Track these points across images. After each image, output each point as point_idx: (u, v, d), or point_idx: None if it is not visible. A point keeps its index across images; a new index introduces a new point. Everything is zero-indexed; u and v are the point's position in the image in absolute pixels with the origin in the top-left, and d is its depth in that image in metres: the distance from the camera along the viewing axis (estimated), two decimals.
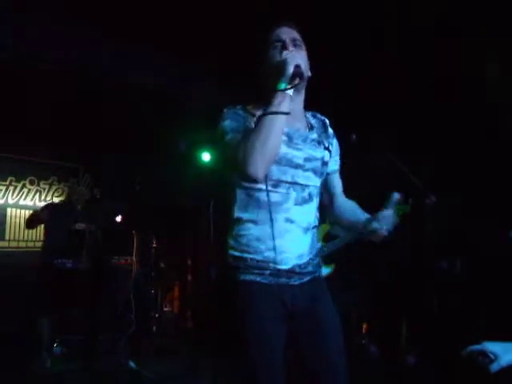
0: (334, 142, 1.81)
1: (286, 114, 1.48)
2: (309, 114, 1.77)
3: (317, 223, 1.71)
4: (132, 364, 3.74)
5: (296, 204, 1.60)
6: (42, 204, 5.56)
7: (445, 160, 3.94)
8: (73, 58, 4.08)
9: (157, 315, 4.91)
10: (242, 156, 1.44)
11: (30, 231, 5.36)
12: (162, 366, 3.77)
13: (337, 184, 1.85)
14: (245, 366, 1.54)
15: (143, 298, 4.74)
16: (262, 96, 1.62)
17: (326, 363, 1.59)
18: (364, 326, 4.30)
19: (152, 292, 4.92)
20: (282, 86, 1.49)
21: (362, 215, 1.76)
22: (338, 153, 1.84)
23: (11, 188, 5.31)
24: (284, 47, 1.62)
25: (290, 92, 1.50)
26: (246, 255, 1.58)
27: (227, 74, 4.23)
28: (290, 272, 1.58)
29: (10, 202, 5.30)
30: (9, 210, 5.29)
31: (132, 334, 4.23)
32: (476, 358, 1.29)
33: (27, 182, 5.46)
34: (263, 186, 1.56)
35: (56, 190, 5.69)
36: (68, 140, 5.20)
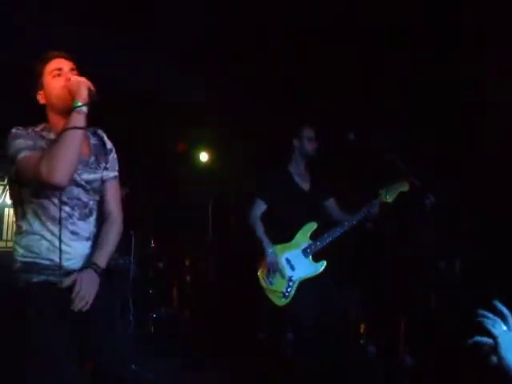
0: (111, 157, 2.07)
1: (84, 128, 1.74)
2: (90, 133, 2.05)
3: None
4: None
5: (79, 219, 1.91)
6: None
7: (445, 160, 3.95)
8: (73, 57, 4.07)
9: (155, 315, 4.90)
10: (47, 166, 1.65)
11: None
12: (161, 366, 3.76)
13: (109, 191, 2.08)
14: None
15: (141, 298, 4.73)
16: (51, 118, 1.92)
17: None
18: (362, 326, 4.30)
19: (150, 292, 4.90)
20: (77, 104, 1.74)
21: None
22: (116, 165, 2.10)
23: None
24: (66, 74, 1.87)
25: (85, 109, 1.75)
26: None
27: (227, 73, 4.24)
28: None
29: (8, 201, 5.27)
30: (6, 209, 5.26)
31: (130, 335, 4.22)
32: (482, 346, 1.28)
33: None
34: (55, 201, 1.83)
35: None
36: None
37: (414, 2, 3.42)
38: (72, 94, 1.78)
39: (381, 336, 4.20)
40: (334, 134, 3.39)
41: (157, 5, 3.62)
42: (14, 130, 1.85)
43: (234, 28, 3.79)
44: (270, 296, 3.15)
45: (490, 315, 1.30)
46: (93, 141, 2.05)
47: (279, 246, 3.19)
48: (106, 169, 2.02)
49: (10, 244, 5.23)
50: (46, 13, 3.60)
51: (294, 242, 3.21)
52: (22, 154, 1.75)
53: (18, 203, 1.90)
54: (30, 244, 1.85)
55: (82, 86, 1.77)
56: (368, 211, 3.15)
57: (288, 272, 3.14)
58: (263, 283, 3.17)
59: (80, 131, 1.73)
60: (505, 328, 1.27)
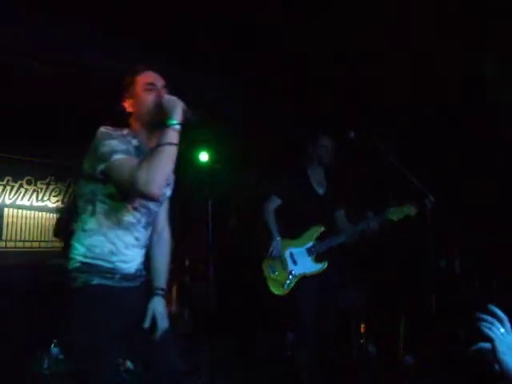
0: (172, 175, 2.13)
1: (177, 145, 1.79)
2: None
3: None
4: (130, 364, 3.73)
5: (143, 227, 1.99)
6: (39, 204, 5.55)
7: (445, 160, 3.95)
8: (72, 58, 4.07)
9: None
10: (145, 176, 1.69)
11: (28, 231, 5.34)
12: None
13: (165, 207, 2.20)
14: None
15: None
16: (134, 126, 1.98)
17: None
18: (362, 326, 4.31)
19: None
20: (173, 122, 1.80)
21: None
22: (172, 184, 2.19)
23: (8, 188, 5.29)
24: (158, 91, 1.96)
25: (179, 127, 1.82)
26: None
27: (227, 74, 4.23)
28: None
29: (7, 201, 5.27)
30: (6, 210, 5.26)
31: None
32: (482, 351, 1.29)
33: (24, 181, 5.43)
34: (129, 206, 1.90)
35: (53, 190, 5.67)
36: (66, 140, 5.19)
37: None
38: (166, 111, 1.84)
39: (381, 336, 4.20)
40: (337, 134, 3.40)
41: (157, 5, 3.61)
42: (104, 130, 1.88)
43: (233, 26, 3.79)
44: (271, 284, 3.33)
45: (488, 318, 1.30)
46: None
47: (286, 240, 3.35)
48: (168, 185, 2.10)
49: (9, 244, 5.23)
50: (46, 13, 3.59)
51: (300, 239, 3.36)
52: (119, 156, 1.77)
53: (88, 201, 1.89)
54: (94, 244, 1.87)
55: (178, 105, 1.84)
56: (371, 224, 3.26)
57: (290, 265, 3.30)
58: (265, 272, 3.36)
59: (175, 148, 1.79)
60: (502, 330, 1.28)
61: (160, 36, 3.86)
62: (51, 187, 5.67)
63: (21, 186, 5.41)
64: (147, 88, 1.97)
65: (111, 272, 1.88)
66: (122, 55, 4.14)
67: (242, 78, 4.37)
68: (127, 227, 1.91)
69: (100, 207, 1.87)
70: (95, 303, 1.82)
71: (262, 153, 5.16)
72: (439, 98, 3.96)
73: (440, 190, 3.02)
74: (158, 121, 1.88)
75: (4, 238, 5.20)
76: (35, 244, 5.35)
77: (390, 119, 4.16)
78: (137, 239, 1.96)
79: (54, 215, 5.58)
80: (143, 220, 1.97)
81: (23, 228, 5.40)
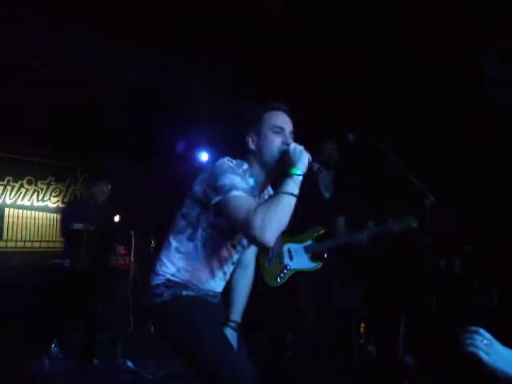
0: None
1: (296, 197, 1.71)
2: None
3: None
4: (130, 364, 3.73)
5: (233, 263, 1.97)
6: (40, 204, 5.56)
7: (445, 160, 3.95)
8: (72, 58, 4.07)
9: None
10: (261, 222, 1.60)
11: (28, 231, 5.35)
12: (160, 366, 3.76)
13: None
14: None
15: (141, 298, 4.73)
16: (251, 164, 1.88)
17: None
18: (362, 326, 4.31)
19: None
20: (297, 172, 1.72)
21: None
22: None
23: (9, 188, 5.30)
24: (286, 140, 1.84)
25: (301, 179, 1.73)
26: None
27: (227, 74, 4.23)
28: None
29: (8, 201, 5.29)
30: (6, 209, 5.28)
31: (130, 334, 4.22)
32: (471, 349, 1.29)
33: (25, 181, 5.45)
34: (228, 243, 1.87)
35: (54, 190, 5.68)
36: (66, 140, 5.20)
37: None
38: (291, 160, 1.75)
39: (381, 336, 4.20)
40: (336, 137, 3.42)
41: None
42: (228, 163, 1.79)
43: (234, 27, 3.79)
44: (265, 275, 3.40)
45: (466, 335, 1.31)
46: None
47: (287, 235, 3.36)
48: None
49: (10, 244, 5.24)
50: (46, 13, 3.59)
51: (300, 237, 3.41)
52: (238, 193, 1.67)
53: (190, 223, 1.85)
54: (186, 269, 1.85)
55: (305, 156, 1.76)
56: (373, 233, 3.31)
57: (286, 260, 3.38)
58: (262, 262, 3.41)
59: (294, 199, 1.71)
60: (485, 342, 1.28)
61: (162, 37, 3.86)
62: (52, 187, 5.69)
63: (21, 186, 5.42)
64: (276, 131, 1.86)
65: (197, 289, 1.87)
66: (123, 56, 4.15)
67: (241, 77, 4.37)
68: (220, 261, 1.89)
69: (201, 234, 1.84)
70: (190, 304, 1.83)
71: None
72: (439, 98, 3.96)
73: (440, 190, 3.01)
74: (279, 167, 1.81)
75: (4, 237, 5.22)
76: (35, 244, 5.36)
77: (390, 119, 4.15)
78: (225, 274, 1.95)
79: (57, 215, 5.59)
80: (235, 257, 1.96)
81: (24, 228, 5.42)
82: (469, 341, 1.28)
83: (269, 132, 1.85)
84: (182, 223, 1.88)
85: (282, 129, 1.86)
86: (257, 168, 1.87)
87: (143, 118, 4.94)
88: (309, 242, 3.39)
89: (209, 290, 1.91)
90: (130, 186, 5.30)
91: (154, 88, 4.62)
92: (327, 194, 3.53)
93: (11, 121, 4.61)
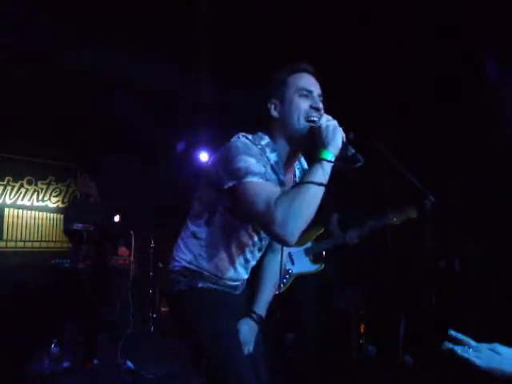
0: None
1: (326, 187, 1.46)
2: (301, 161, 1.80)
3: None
4: (130, 364, 3.73)
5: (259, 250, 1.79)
6: (40, 204, 5.56)
7: (445, 160, 3.94)
8: (72, 58, 4.07)
9: (155, 315, 4.90)
10: (283, 218, 1.40)
11: (28, 231, 5.35)
12: (160, 366, 3.76)
13: None
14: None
15: (141, 298, 4.73)
16: (274, 134, 1.62)
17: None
18: (362, 326, 4.31)
19: (150, 292, 4.90)
20: (329, 156, 1.46)
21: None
22: None
23: (9, 188, 5.30)
24: (315, 103, 1.60)
25: (332, 164, 1.47)
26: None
27: (227, 74, 4.23)
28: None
29: (8, 201, 5.28)
30: (6, 209, 5.27)
31: (130, 334, 4.22)
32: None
33: (25, 181, 5.45)
34: (249, 228, 1.68)
35: (54, 190, 5.68)
36: (66, 140, 5.20)
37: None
38: (322, 139, 1.48)
39: (381, 336, 4.20)
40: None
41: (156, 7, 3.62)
42: (243, 140, 1.59)
43: (231, 27, 3.79)
44: None
45: (454, 346, 1.32)
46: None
47: None
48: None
49: (10, 244, 5.24)
50: (46, 13, 3.59)
51: (299, 240, 3.27)
52: (255, 179, 1.46)
53: (206, 207, 1.68)
54: (203, 256, 1.69)
55: (339, 136, 1.49)
56: (372, 228, 3.28)
57: (287, 264, 3.29)
58: None
59: (323, 190, 1.46)
60: (471, 349, 1.30)
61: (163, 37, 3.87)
62: (52, 187, 5.69)
63: (21, 186, 5.42)
64: (302, 94, 1.60)
65: (215, 280, 1.71)
66: (123, 56, 4.15)
67: (242, 78, 4.37)
68: (241, 248, 1.71)
69: (218, 219, 1.66)
70: (206, 300, 1.68)
71: None
72: (439, 98, 3.96)
73: (440, 190, 3.01)
74: (307, 146, 1.57)
75: (4, 237, 5.22)
76: (35, 244, 5.36)
77: (390, 119, 4.15)
78: (247, 261, 1.76)
79: (57, 215, 5.59)
80: (260, 244, 1.76)
81: (24, 228, 5.41)
82: (457, 348, 1.30)
83: (295, 96, 1.59)
84: (198, 208, 1.71)
85: (309, 91, 1.60)
86: (281, 141, 1.61)
87: (143, 118, 4.93)
88: (309, 244, 3.35)
89: (230, 279, 1.73)
90: (130, 186, 5.30)
91: (154, 88, 4.62)
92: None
93: (11, 121, 4.61)
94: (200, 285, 1.69)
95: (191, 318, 1.68)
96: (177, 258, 1.73)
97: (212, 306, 1.69)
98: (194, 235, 1.71)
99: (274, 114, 1.62)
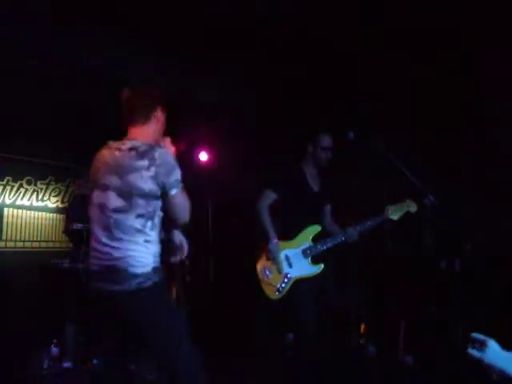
0: None
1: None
2: None
3: None
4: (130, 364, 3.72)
5: None
6: (39, 204, 5.55)
7: (445, 160, 3.94)
8: (72, 58, 4.07)
9: None
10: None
11: (28, 231, 5.35)
12: None
13: None
14: None
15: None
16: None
17: None
18: (362, 326, 4.30)
19: None
20: None
21: None
22: None
23: (8, 188, 5.29)
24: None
25: None
26: None
27: (227, 74, 4.23)
28: None
29: (7, 201, 5.27)
30: (6, 209, 5.26)
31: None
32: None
33: (24, 181, 5.43)
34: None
35: (53, 190, 5.67)
36: (66, 140, 5.19)
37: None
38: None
39: (381, 336, 4.20)
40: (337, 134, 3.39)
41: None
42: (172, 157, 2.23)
43: (234, 27, 3.79)
44: (265, 288, 3.21)
45: (472, 347, 1.33)
46: None
47: (281, 242, 3.23)
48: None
49: (9, 244, 5.23)
50: (47, 13, 3.59)
51: (295, 240, 3.24)
52: (180, 187, 2.17)
53: (148, 218, 2.11)
54: (157, 251, 2.17)
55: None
56: (372, 225, 3.22)
57: (285, 268, 3.18)
58: (260, 275, 3.24)
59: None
60: (488, 350, 1.30)
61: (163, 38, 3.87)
62: (51, 187, 5.68)
63: (21, 185, 5.41)
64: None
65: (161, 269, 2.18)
66: (123, 57, 4.15)
67: (241, 78, 4.37)
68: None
69: (157, 220, 2.15)
70: (162, 294, 2.22)
71: (263, 153, 5.16)
72: (439, 98, 3.96)
73: (440, 190, 3.01)
74: None
75: (4, 238, 5.20)
76: (35, 244, 5.35)
77: (390, 119, 4.15)
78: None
79: (57, 215, 5.59)
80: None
81: (23, 228, 5.40)
82: (476, 349, 1.30)
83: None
84: (140, 222, 2.10)
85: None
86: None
87: None
88: (306, 245, 3.22)
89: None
90: None
91: (154, 87, 4.61)
92: (315, 188, 3.40)
93: (11, 121, 4.61)
94: (157, 280, 2.18)
95: (157, 309, 2.18)
96: (141, 265, 2.12)
97: (166, 297, 2.40)
98: (147, 241, 2.17)
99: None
